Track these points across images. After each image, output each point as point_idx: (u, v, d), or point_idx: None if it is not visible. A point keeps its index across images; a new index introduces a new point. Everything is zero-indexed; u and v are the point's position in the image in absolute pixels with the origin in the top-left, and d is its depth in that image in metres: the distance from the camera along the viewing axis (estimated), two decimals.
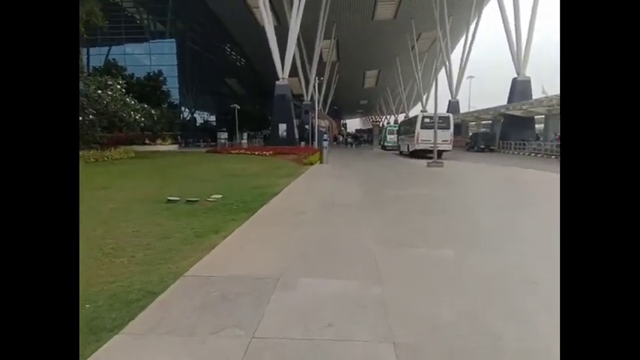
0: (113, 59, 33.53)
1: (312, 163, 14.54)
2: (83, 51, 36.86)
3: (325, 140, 16.81)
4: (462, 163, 15.78)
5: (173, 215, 5.19)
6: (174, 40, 39.01)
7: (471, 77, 48.95)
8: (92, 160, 14.59)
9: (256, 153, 20.98)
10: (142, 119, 17.15)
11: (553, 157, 20.68)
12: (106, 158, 15.60)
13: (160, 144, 28.83)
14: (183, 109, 41.75)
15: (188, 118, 43.79)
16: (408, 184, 8.82)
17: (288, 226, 4.32)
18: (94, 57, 36.38)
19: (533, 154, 23.10)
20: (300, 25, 30.37)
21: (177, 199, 6.28)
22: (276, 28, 29.35)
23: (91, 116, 14.75)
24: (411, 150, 20.61)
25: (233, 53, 55.43)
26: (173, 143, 31.29)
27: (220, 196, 6.60)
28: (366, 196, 6.67)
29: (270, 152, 20.55)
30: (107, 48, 37.63)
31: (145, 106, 18.18)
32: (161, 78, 33.12)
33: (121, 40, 38.40)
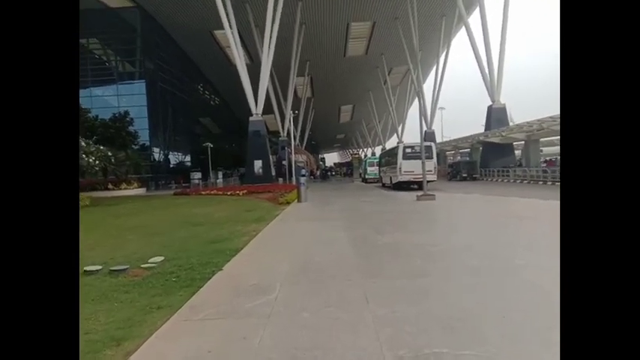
0: None
1: (288, 202, 12.94)
2: None
3: (303, 176, 15.34)
4: (452, 194, 14.55)
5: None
6: (143, 80, 37.65)
7: (442, 108, 49.81)
8: None
9: (229, 193, 19.24)
10: (97, 162, 15.21)
11: (540, 182, 19.91)
12: None
13: (125, 188, 26.57)
14: (154, 150, 39.75)
15: (161, 159, 41.72)
16: (406, 227, 7.22)
17: (241, 324, 2.64)
18: None
19: (518, 181, 22.37)
20: (274, 63, 29.97)
21: (99, 268, 4.53)
22: (249, 66, 28.78)
23: None
24: (394, 182, 19.57)
25: (207, 92, 54.77)
26: (140, 187, 29.04)
27: (161, 258, 4.90)
28: (357, 249, 5.08)
29: (244, 191, 18.86)
30: None
31: (101, 147, 16.32)
32: (127, 119, 31.29)
33: (87, 82, 36.81)
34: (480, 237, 5.92)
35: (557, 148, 47.17)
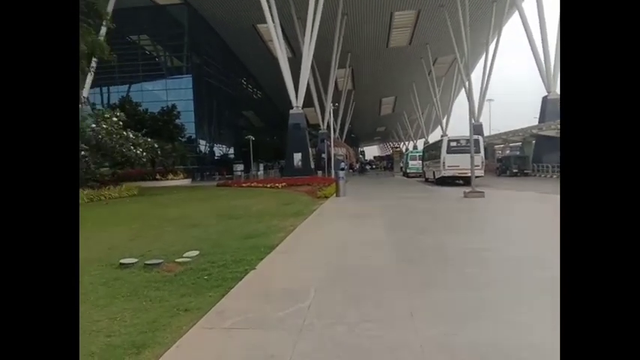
0: (128, 96, 33.45)
1: (326, 197, 12.68)
2: (101, 90, 37.52)
3: (342, 169, 14.97)
4: (503, 191, 13.50)
5: (108, 295, 3.41)
6: (190, 75, 38.96)
7: (490, 100, 47.18)
8: (85, 200, 13.20)
9: (268, 185, 19.39)
10: (144, 153, 15.85)
11: None
12: (102, 197, 14.26)
13: (172, 179, 27.72)
14: (199, 142, 41.24)
15: (206, 151, 43.22)
16: (454, 228, 6.63)
17: (269, 337, 2.37)
18: (114, 95, 37.03)
19: None
20: (315, 56, 29.71)
21: (135, 261, 4.52)
22: (291, 60, 28.79)
23: (82, 152, 13.43)
24: (437, 177, 18.77)
25: (249, 86, 55.78)
26: (186, 177, 30.18)
27: (196, 253, 4.81)
28: (400, 252, 4.67)
29: (283, 184, 18.92)
30: (127, 86, 38.10)
31: (149, 139, 17.01)
32: (175, 112, 32.52)
33: (138, 78, 38.77)
34: (541, 242, 5.24)
35: None
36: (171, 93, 38.32)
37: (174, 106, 33.00)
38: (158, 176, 27.02)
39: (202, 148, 42.40)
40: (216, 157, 45.67)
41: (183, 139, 34.41)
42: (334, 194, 13.15)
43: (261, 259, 4.30)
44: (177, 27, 37.82)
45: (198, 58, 40.81)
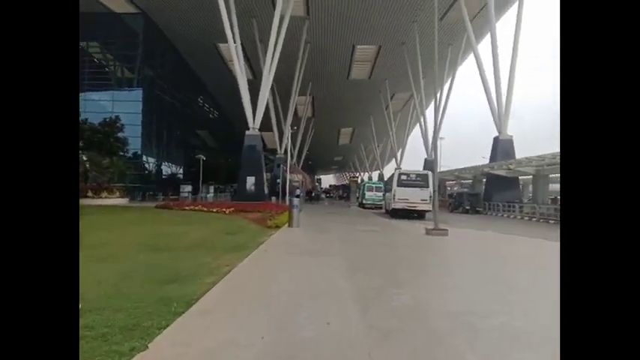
0: None
1: (278, 226, 11.32)
2: None
3: (297, 197, 13.79)
4: (462, 229, 12.90)
5: None
6: (141, 88, 36.38)
7: (442, 138, 49.20)
8: None
9: (214, 210, 17.59)
10: None
11: (552, 222, 18.40)
12: None
13: (106, 197, 24.76)
14: (146, 159, 38.19)
15: (152, 169, 40.07)
16: (428, 277, 5.42)
17: None
18: None
19: (526, 218, 20.91)
20: (276, 80, 29.04)
21: None
22: (251, 83, 27.87)
23: None
24: (389, 209, 18.62)
25: (206, 105, 53.83)
26: (124, 196, 27.20)
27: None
28: (366, 315, 3.42)
29: (231, 209, 17.22)
30: None
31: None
32: (118, 124, 29.75)
33: (83, 86, 35.38)
34: (543, 300, 4.31)
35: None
36: (119, 105, 35.35)
37: (117, 118, 30.28)
38: (90, 193, 23.99)
39: (148, 165, 39.35)
40: (163, 176, 42.66)
41: (127, 155, 31.56)
42: (287, 224, 11.83)
43: (166, 326, 2.85)
44: (131, 37, 35.55)
45: (151, 70, 38.54)
